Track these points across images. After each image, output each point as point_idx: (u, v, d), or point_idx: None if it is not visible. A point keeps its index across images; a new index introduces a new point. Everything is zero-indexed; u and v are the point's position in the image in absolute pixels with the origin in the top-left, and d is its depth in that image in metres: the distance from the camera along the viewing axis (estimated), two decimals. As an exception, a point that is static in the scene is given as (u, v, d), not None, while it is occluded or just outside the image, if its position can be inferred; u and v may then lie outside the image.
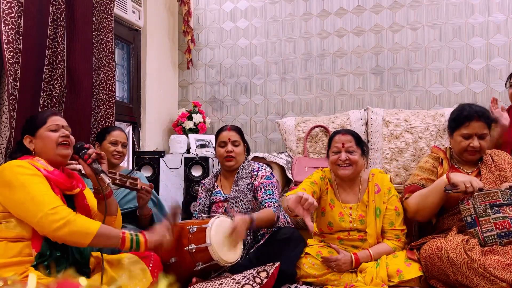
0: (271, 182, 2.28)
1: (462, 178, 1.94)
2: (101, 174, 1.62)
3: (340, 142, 2.12)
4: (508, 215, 1.86)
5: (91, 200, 1.77)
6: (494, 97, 2.55)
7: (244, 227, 1.94)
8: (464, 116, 2.06)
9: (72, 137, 1.70)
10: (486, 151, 2.15)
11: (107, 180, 1.61)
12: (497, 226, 1.85)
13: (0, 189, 1.51)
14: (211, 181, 2.45)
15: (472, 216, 1.89)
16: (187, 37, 3.78)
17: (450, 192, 1.93)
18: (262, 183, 2.27)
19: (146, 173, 2.97)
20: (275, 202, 2.21)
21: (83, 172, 1.69)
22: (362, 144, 2.17)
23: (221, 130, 2.42)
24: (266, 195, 2.22)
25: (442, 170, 2.12)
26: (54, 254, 1.53)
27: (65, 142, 1.66)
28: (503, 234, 1.84)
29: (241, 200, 2.27)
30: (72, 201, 1.68)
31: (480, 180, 2.04)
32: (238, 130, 2.42)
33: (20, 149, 1.68)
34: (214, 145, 2.49)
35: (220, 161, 2.40)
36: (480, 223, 1.87)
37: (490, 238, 1.84)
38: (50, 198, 1.49)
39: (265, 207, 2.17)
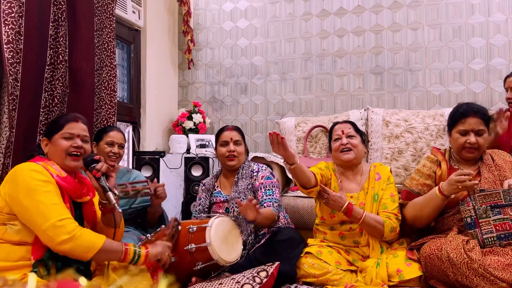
0: (271, 182, 2.29)
1: (452, 184, 1.91)
2: (108, 192, 1.59)
3: (340, 129, 2.26)
4: (509, 216, 1.84)
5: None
6: (502, 109, 2.36)
7: (253, 207, 1.93)
8: (460, 113, 2.09)
9: (86, 147, 1.67)
10: (486, 150, 2.15)
11: (113, 199, 1.58)
12: (497, 228, 1.84)
13: (10, 191, 1.49)
14: (211, 181, 2.45)
15: (472, 217, 1.88)
16: (187, 37, 3.79)
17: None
18: (262, 183, 2.27)
19: (146, 173, 2.98)
20: (275, 202, 2.21)
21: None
22: (361, 132, 2.30)
23: (222, 130, 2.43)
24: (266, 195, 2.22)
25: (441, 172, 2.12)
26: (58, 265, 1.51)
27: (75, 153, 1.63)
28: (502, 236, 1.83)
29: (241, 200, 2.27)
30: (80, 208, 1.67)
31: (480, 180, 2.04)
32: (240, 130, 2.43)
33: (40, 147, 1.67)
34: (214, 146, 2.49)
35: (222, 160, 2.40)
36: (480, 224, 1.86)
37: (490, 240, 1.84)
38: (58, 209, 1.47)
39: (264, 207, 2.17)
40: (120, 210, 1.64)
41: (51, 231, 1.43)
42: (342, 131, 2.24)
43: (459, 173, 1.92)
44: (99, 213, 1.75)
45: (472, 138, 2.04)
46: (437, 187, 1.99)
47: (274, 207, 2.18)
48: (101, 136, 2.32)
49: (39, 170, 1.52)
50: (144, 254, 1.61)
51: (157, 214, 2.32)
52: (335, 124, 2.34)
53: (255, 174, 2.33)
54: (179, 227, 1.92)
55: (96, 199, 1.76)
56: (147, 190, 2.11)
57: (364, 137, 2.32)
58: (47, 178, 1.51)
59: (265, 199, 2.21)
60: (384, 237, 2.07)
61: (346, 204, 2.05)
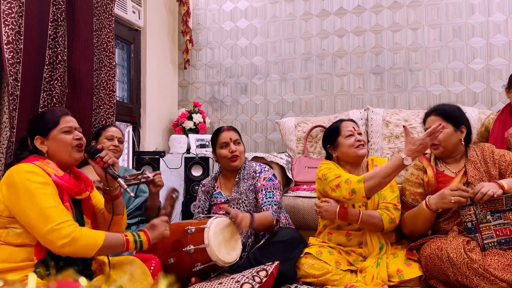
0: (273, 184, 2.27)
1: (440, 201, 1.92)
2: (119, 179, 1.63)
3: (351, 126, 2.27)
4: (510, 221, 1.83)
5: (99, 199, 1.77)
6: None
7: (245, 219, 1.94)
8: (424, 114, 2.26)
9: (84, 139, 1.69)
10: (471, 146, 2.14)
11: (125, 185, 1.63)
12: (497, 233, 1.83)
13: (8, 194, 1.48)
14: (211, 183, 2.41)
15: (473, 222, 1.87)
16: (185, 37, 3.79)
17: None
18: (264, 185, 2.25)
19: (146, 173, 2.98)
20: (274, 204, 2.19)
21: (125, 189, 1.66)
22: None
23: (219, 131, 2.36)
24: (266, 198, 2.20)
25: (427, 178, 2.12)
26: (58, 265, 1.51)
27: (79, 145, 1.65)
28: (503, 241, 1.82)
29: (242, 202, 2.25)
30: (79, 204, 1.67)
31: (467, 178, 2.02)
32: (236, 130, 2.40)
33: (25, 147, 1.65)
34: (212, 149, 2.42)
35: (224, 162, 2.33)
36: (481, 229, 1.85)
37: (490, 245, 1.82)
38: (57, 212, 1.46)
39: (263, 210, 2.16)
40: (132, 195, 1.67)
41: (50, 235, 1.43)
42: (354, 127, 2.25)
43: (456, 187, 1.90)
44: (97, 205, 1.75)
45: None
46: (424, 201, 1.99)
47: (273, 210, 2.16)
48: (100, 133, 2.40)
49: (36, 171, 1.50)
50: (146, 241, 1.62)
51: (155, 208, 2.32)
52: (341, 120, 2.31)
53: (257, 174, 2.30)
54: (177, 195, 1.87)
55: (93, 193, 1.76)
56: (147, 175, 2.12)
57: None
58: (44, 179, 1.50)
59: (265, 202, 2.19)
60: (384, 229, 2.06)
61: (337, 210, 2.04)
